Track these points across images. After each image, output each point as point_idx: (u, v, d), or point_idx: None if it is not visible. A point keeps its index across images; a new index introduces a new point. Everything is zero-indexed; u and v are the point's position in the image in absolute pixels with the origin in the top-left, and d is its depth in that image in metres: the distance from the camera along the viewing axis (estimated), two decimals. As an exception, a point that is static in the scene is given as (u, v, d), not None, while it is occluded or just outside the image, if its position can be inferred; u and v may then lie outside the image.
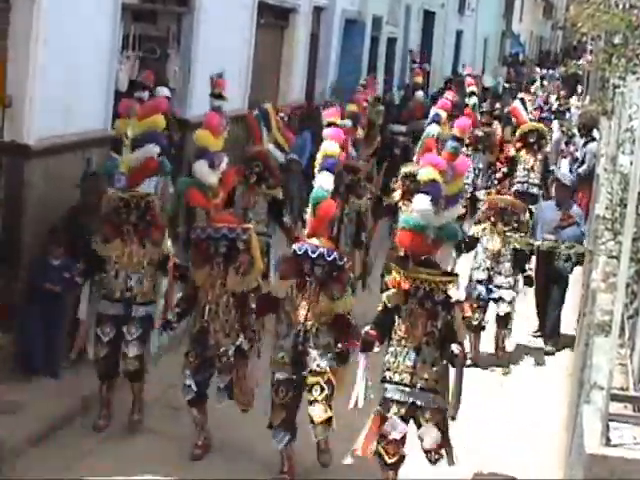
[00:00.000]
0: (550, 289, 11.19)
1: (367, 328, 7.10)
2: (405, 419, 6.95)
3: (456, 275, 7.50)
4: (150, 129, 8.12)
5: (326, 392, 7.22)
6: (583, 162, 15.95)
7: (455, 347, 6.83)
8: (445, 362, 6.95)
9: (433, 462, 6.93)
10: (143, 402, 8.18)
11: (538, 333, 11.42)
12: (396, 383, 6.96)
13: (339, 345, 7.25)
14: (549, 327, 11.24)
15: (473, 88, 17.99)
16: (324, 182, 7.42)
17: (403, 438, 6.92)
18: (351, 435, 7.74)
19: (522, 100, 17.26)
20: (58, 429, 7.83)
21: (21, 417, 7.71)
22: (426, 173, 7.04)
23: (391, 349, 7.03)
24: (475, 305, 10.08)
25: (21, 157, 8.41)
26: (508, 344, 10.68)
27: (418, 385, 6.92)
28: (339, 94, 16.44)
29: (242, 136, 11.97)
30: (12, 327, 8.39)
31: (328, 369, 7.25)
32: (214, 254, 7.54)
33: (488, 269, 10.30)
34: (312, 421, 7.25)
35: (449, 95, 14.43)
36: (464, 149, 14.51)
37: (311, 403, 7.26)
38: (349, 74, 18.26)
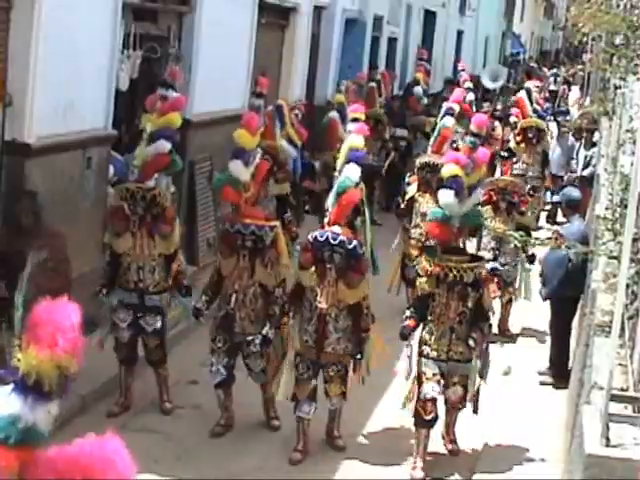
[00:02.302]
0: (555, 312, 10.16)
1: (407, 313, 7.71)
2: (439, 383, 7.56)
3: (482, 258, 8.16)
4: (165, 126, 8.33)
5: (341, 372, 7.68)
6: (589, 165, 15.96)
7: (471, 340, 7.47)
8: (479, 334, 7.56)
9: (458, 409, 7.72)
10: (169, 390, 8.37)
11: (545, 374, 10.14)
12: (433, 359, 7.56)
13: (361, 335, 7.67)
14: (555, 361, 10.06)
15: (469, 84, 18.13)
16: (351, 173, 7.83)
17: (436, 400, 7.52)
18: (363, 416, 8.25)
19: (528, 91, 17.31)
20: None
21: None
22: (449, 170, 7.67)
23: (428, 327, 7.60)
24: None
25: (22, 156, 8.41)
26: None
27: (453, 358, 7.54)
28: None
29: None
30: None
31: (342, 352, 7.65)
32: (241, 247, 7.82)
33: (493, 249, 10.76)
34: (327, 394, 7.71)
35: (459, 92, 14.67)
36: (461, 144, 14.77)
37: (327, 381, 7.71)
38: (350, 74, 18.24)
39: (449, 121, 11.85)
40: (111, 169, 9.86)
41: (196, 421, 8.19)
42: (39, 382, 2.98)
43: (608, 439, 5.24)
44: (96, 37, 9.41)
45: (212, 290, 8.06)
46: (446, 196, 7.57)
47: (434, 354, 7.55)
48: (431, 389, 7.50)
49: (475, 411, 7.85)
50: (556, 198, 11.52)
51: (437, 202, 10.52)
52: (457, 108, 12.48)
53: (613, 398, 5.40)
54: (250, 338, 7.79)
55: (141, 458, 7.79)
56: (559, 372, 9.93)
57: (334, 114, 13.53)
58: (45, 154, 8.64)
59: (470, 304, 7.51)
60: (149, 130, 8.40)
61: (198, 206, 11.94)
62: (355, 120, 10.28)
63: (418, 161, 11.35)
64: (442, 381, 7.58)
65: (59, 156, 8.88)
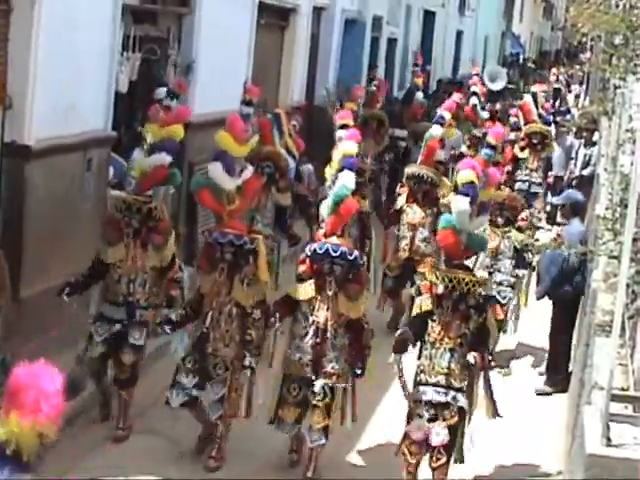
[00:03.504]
0: (555, 316, 10.02)
1: (400, 332, 7.13)
2: (433, 419, 6.98)
3: (486, 278, 7.69)
4: (167, 138, 8.07)
5: (328, 399, 7.28)
6: (588, 164, 15.95)
7: (472, 357, 6.98)
8: (481, 354, 7.05)
9: (435, 461, 6.95)
10: (127, 413, 8.00)
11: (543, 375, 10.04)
12: (433, 385, 7.01)
13: (363, 351, 7.28)
14: (552, 363, 9.93)
15: (475, 88, 18.06)
16: (346, 181, 7.49)
17: (426, 440, 6.95)
18: (355, 434, 7.93)
19: (534, 95, 17.22)
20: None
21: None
22: (466, 175, 7.22)
23: (425, 352, 7.07)
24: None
25: (22, 158, 8.41)
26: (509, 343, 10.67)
27: (453, 385, 6.99)
28: (341, 94, 16.51)
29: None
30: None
31: (340, 372, 7.30)
32: (219, 259, 7.42)
33: (487, 267, 10.06)
34: (309, 425, 7.32)
35: (456, 97, 14.49)
36: (464, 149, 14.63)
37: (312, 407, 7.31)
38: (349, 75, 18.25)
39: (437, 130, 11.33)
40: (111, 171, 9.86)
41: (196, 422, 8.17)
42: (18, 452, 2.82)
43: (609, 439, 5.25)
44: (96, 39, 9.41)
45: (192, 307, 7.63)
46: (462, 203, 7.04)
47: (432, 380, 7.01)
48: (418, 429, 6.97)
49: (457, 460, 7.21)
50: (556, 200, 10.94)
51: (424, 213, 10.48)
52: (448, 116, 12.10)
53: (614, 398, 5.41)
54: (219, 359, 7.38)
55: (143, 459, 7.84)
56: (555, 376, 9.76)
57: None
58: (45, 156, 8.63)
59: (471, 327, 7.02)
60: (149, 141, 8.10)
61: (198, 207, 11.92)
62: (344, 127, 10.06)
63: (406, 171, 11.10)
64: (435, 415, 6.99)
65: (59, 158, 8.88)
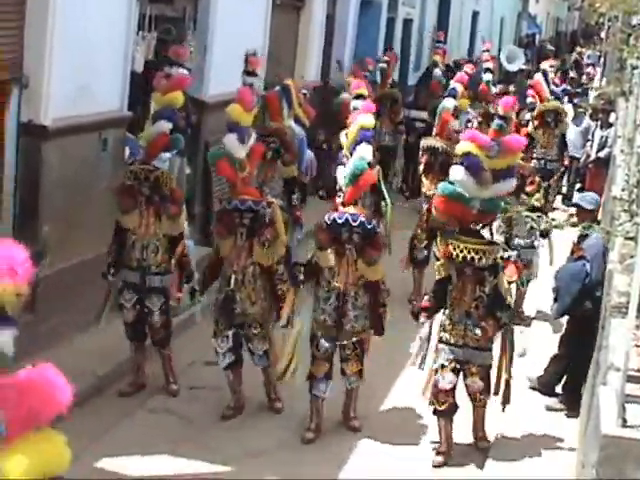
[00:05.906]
0: (572, 333, 8.98)
1: (426, 297, 7.80)
2: (455, 372, 7.52)
3: (497, 244, 8.00)
4: (168, 105, 8.36)
5: (357, 351, 7.75)
6: (604, 146, 15.88)
7: (478, 330, 7.41)
8: (492, 323, 7.49)
9: (479, 401, 7.58)
10: (174, 370, 8.38)
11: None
12: (450, 344, 7.52)
13: (379, 310, 7.76)
14: (568, 386, 8.88)
15: (489, 64, 18.05)
16: (364, 153, 7.88)
17: (453, 389, 7.51)
18: (378, 396, 8.37)
19: (544, 72, 17.20)
20: (73, 408, 7.82)
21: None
22: (461, 146, 7.58)
23: (446, 312, 7.59)
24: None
25: (38, 138, 8.44)
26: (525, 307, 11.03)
27: (469, 345, 7.48)
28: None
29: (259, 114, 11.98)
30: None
31: (360, 329, 7.72)
32: (238, 225, 7.81)
33: (504, 232, 10.48)
34: (344, 373, 7.79)
35: (467, 68, 14.49)
36: (475, 124, 14.66)
37: (343, 360, 7.78)
38: (364, 55, 18.18)
39: (449, 102, 11.73)
40: (127, 151, 9.88)
41: (212, 402, 8.22)
42: (2, 308, 3.36)
43: (625, 420, 5.25)
44: (111, 18, 9.40)
45: (209, 272, 8.12)
46: (456, 172, 7.45)
47: (451, 340, 7.52)
48: (444, 379, 7.49)
49: (504, 402, 7.75)
50: (576, 197, 10.41)
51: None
52: (460, 89, 12.33)
53: (629, 379, 5.41)
54: (251, 317, 7.85)
55: (157, 439, 7.88)
56: (571, 398, 8.70)
57: (346, 96, 13.46)
58: (61, 136, 8.66)
59: (487, 289, 7.44)
60: (153, 109, 8.52)
61: (213, 187, 11.95)
62: (359, 97, 10.21)
63: (422, 144, 11.53)
64: (459, 369, 7.53)
65: (75, 138, 8.90)
